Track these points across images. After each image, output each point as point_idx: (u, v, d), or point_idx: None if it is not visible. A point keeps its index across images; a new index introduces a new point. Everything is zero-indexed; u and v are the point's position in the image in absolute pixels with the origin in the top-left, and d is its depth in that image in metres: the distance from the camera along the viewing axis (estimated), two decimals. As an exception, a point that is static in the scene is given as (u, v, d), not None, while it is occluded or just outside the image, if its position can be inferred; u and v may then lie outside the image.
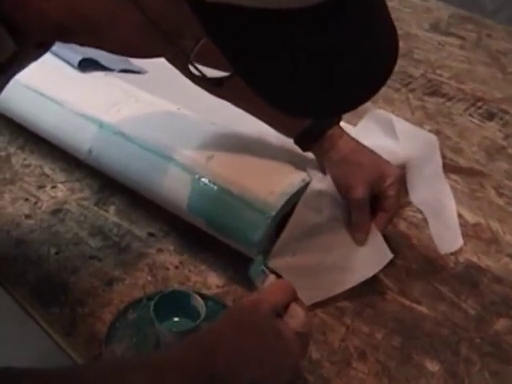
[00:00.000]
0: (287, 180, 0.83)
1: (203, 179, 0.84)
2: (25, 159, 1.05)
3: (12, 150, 1.06)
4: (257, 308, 0.67)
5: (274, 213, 0.79)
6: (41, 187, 0.99)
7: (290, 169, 0.85)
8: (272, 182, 0.82)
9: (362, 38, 0.52)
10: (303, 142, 0.87)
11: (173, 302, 0.75)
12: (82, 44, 0.59)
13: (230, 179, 0.83)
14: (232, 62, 0.51)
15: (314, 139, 0.86)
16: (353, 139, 0.87)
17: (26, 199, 0.97)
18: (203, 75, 0.58)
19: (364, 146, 0.87)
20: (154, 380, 0.62)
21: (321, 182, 0.83)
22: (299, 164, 0.86)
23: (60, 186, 1.00)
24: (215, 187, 0.83)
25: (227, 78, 0.57)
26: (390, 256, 0.83)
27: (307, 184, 0.83)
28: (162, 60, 1.20)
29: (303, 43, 0.50)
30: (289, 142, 0.89)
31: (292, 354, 0.67)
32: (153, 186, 0.89)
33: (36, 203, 0.96)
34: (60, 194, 0.98)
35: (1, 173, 1.02)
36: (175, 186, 0.86)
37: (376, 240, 0.85)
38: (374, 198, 0.85)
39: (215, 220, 0.83)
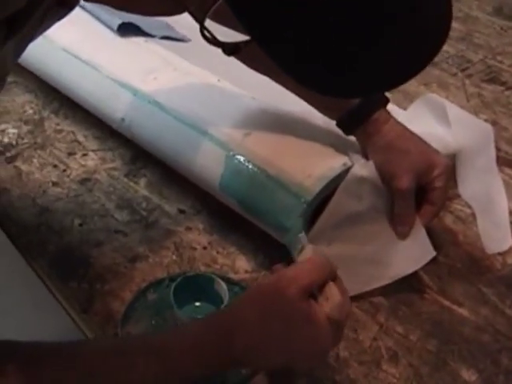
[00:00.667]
0: (327, 163, 0.77)
1: (238, 156, 0.79)
2: (58, 124, 1.01)
3: (46, 113, 1.03)
4: (285, 288, 0.60)
5: (310, 198, 0.74)
6: (71, 154, 0.96)
7: (331, 152, 0.79)
8: (311, 164, 0.77)
9: (408, 10, 0.46)
10: (346, 124, 0.81)
11: (195, 286, 0.71)
12: None
13: (266, 159, 0.78)
14: (246, 26, 0.45)
15: (358, 122, 0.79)
16: (400, 124, 0.81)
17: (55, 166, 0.94)
18: (215, 39, 0.52)
19: (412, 133, 0.81)
20: (163, 365, 0.57)
21: (364, 168, 0.77)
22: (341, 147, 0.81)
23: (91, 154, 0.96)
24: (250, 166, 0.78)
25: (245, 43, 0.51)
26: (433, 254, 0.77)
27: (349, 169, 0.77)
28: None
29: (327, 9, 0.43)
30: (332, 124, 0.84)
31: (322, 342, 0.60)
32: (185, 160, 0.84)
33: (65, 171, 0.93)
34: (90, 163, 0.94)
35: (32, 137, 0.99)
36: (208, 162, 0.82)
37: (419, 235, 0.78)
38: (420, 190, 0.79)
39: (248, 201, 0.78)
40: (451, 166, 0.82)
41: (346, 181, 0.76)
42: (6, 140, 0.98)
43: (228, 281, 0.73)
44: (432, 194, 0.79)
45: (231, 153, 0.79)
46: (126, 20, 0.98)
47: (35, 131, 0.99)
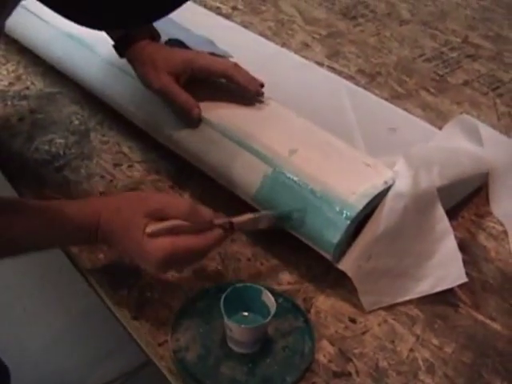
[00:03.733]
0: (370, 181, 0.81)
1: (284, 172, 0.83)
2: (103, 135, 1.05)
3: (91, 124, 1.07)
4: (144, 203, 0.76)
5: (353, 214, 0.78)
6: (117, 165, 1.00)
7: (374, 170, 0.83)
8: (354, 182, 0.80)
9: None
10: (117, 47, 0.94)
11: (243, 297, 0.74)
12: None
13: (311, 175, 0.82)
14: None
15: (125, 46, 0.93)
16: (163, 46, 0.95)
17: (102, 176, 0.97)
18: None
19: (171, 47, 0.96)
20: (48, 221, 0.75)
21: (404, 186, 0.81)
22: (382, 165, 0.84)
23: (136, 165, 1.00)
24: (296, 182, 0.82)
25: None
26: (464, 279, 0.81)
27: (390, 187, 0.80)
28: (249, 44, 1.20)
29: None
30: (371, 143, 0.88)
31: (146, 257, 0.73)
32: (230, 174, 0.88)
33: (111, 181, 0.97)
34: (136, 174, 0.98)
35: (79, 147, 1.03)
36: (253, 176, 0.85)
37: (454, 257, 0.82)
38: None
39: (293, 216, 0.82)
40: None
41: (387, 198, 0.80)
42: (53, 150, 1.02)
43: (272, 292, 0.76)
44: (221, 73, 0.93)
45: (277, 169, 0.83)
46: (172, 36, 1.02)
47: (82, 142, 1.03)
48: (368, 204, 0.79)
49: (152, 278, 0.82)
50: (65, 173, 0.97)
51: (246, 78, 0.93)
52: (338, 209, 0.78)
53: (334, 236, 0.78)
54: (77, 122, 1.07)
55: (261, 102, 0.94)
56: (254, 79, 0.93)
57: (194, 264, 0.81)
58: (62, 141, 1.03)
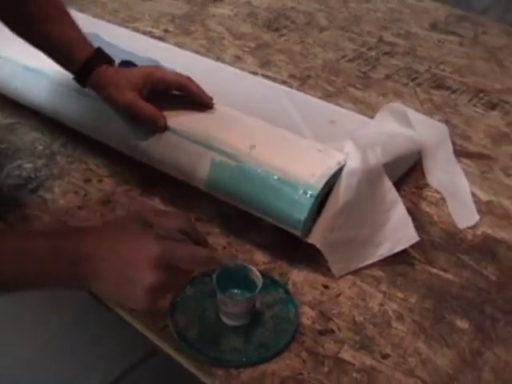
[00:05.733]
0: (325, 163, 0.92)
1: (248, 166, 0.93)
2: (68, 156, 1.12)
3: (55, 148, 1.14)
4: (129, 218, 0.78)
5: (316, 193, 0.88)
6: (87, 181, 1.07)
7: (326, 154, 0.94)
8: (312, 166, 0.91)
9: None
10: (79, 78, 1.02)
11: (231, 275, 0.83)
12: None
13: (273, 165, 0.92)
14: None
15: (86, 75, 1.00)
16: (119, 69, 1.03)
17: (76, 192, 1.05)
18: None
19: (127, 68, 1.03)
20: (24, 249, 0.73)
21: (354, 164, 0.92)
22: (332, 149, 0.95)
23: (105, 179, 1.07)
24: (260, 173, 0.92)
25: None
26: (416, 238, 0.93)
27: (343, 166, 0.92)
28: (188, 61, 1.30)
29: None
30: (318, 133, 0.99)
31: (143, 253, 0.72)
32: (198, 174, 0.97)
33: (86, 195, 1.04)
34: (107, 187, 1.06)
35: (48, 169, 1.09)
36: (220, 173, 0.95)
37: (406, 221, 0.94)
38: None
39: (261, 202, 0.92)
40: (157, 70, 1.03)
41: (342, 176, 0.91)
42: (24, 174, 1.08)
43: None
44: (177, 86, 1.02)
45: (241, 163, 0.93)
46: (124, 58, 1.11)
47: (49, 164, 1.10)
48: (327, 183, 0.90)
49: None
50: (40, 193, 1.04)
51: (199, 89, 1.03)
52: (301, 190, 0.89)
53: (302, 214, 0.88)
54: (41, 148, 1.14)
55: (215, 108, 1.04)
56: (204, 91, 1.04)
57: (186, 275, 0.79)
58: (30, 165, 1.10)
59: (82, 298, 0.96)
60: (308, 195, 0.88)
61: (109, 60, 1.03)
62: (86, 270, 0.73)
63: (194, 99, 1.03)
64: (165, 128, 1.00)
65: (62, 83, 1.11)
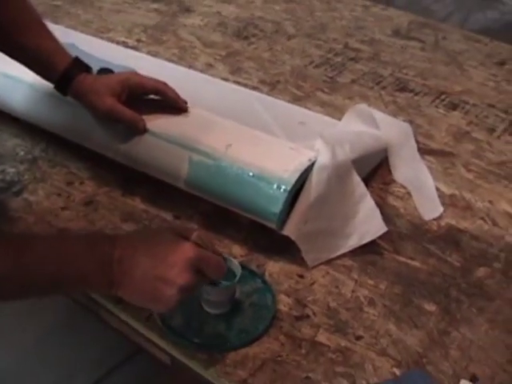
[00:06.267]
0: (297, 160, 0.97)
1: (224, 163, 0.98)
2: (50, 161, 1.16)
3: (36, 153, 1.18)
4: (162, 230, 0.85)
5: (289, 187, 0.94)
6: (70, 183, 1.11)
7: (297, 151, 1.00)
8: (284, 162, 0.97)
9: None
10: (60, 88, 1.06)
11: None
12: None
13: (247, 162, 0.97)
14: None
15: (67, 84, 1.05)
16: (99, 75, 1.08)
17: (59, 194, 1.09)
18: None
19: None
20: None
21: (325, 160, 0.97)
22: (303, 147, 1.01)
23: (87, 181, 1.12)
24: (235, 170, 0.97)
25: None
26: (385, 229, 0.99)
27: (313, 163, 0.97)
28: (161, 69, 1.34)
29: None
30: (290, 133, 1.06)
31: (177, 257, 0.77)
32: (177, 173, 1.01)
33: (69, 197, 1.08)
34: (89, 189, 1.10)
35: (31, 173, 1.13)
36: (197, 171, 1.00)
37: (374, 213, 1.00)
38: None
39: (237, 198, 0.97)
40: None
41: (313, 171, 0.97)
42: (8, 178, 1.12)
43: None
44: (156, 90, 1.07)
45: (218, 161, 0.98)
46: (103, 65, 1.15)
47: (32, 169, 1.14)
48: (299, 178, 0.95)
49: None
50: (24, 195, 1.08)
51: (174, 93, 1.08)
52: (275, 185, 0.94)
53: (277, 207, 0.94)
54: (22, 153, 1.18)
55: (191, 111, 1.09)
56: (179, 96, 1.09)
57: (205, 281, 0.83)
58: (13, 170, 1.13)
59: (63, 302, 1.00)
60: (282, 189, 0.94)
61: (87, 68, 1.08)
62: (118, 271, 0.77)
63: (170, 103, 1.08)
64: (145, 130, 1.04)
65: (41, 90, 1.15)
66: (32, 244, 0.76)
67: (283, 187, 0.94)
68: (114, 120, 1.05)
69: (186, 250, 0.78)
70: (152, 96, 1.09)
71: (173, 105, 1.08)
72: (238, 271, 0.87)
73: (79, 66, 1.07)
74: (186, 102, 1.09)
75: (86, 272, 0.77)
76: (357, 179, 1.01)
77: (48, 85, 1.08)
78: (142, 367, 1.56)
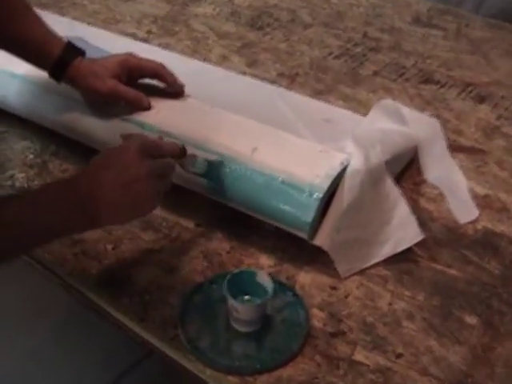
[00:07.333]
0: (328, 164, 0.91)
1: (251, 169, 0.92)
2: (61, 165, 1.11)
3: (46, 156, 1.12)
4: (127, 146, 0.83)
5: (322, 194, 0.88)
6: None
7: (328, 154, 0.94)
8: (315, 167, 0.91)
9: None
10: (54, 74, 1.02)
11: (240, 281, 0.82)
12: None
13: (276, 167, 0.91)
14: None
15: (61, 70, 1.01)
16: (92, 61, 1.03)
17: (73, 201, 1.03)
18: None
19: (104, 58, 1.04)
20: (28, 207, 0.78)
21: (358, 164, 0.92)
22: (333, 150, 0.95)
23: (102, 186, 1.06)
24: (264, 176, 0.91)
25: None
26: (421, 236, 0.93)
27: (346, 167, 0.91)
28: (174, 63, 1.29)
29: None
30: (317, 133, 0.99)
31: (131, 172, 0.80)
32: (200, 179, 0.96)
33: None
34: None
35: (41, 179, 1.07)
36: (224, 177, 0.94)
37: (409, 219, 0.95)
38: None
39: (266, 205, 0.91)
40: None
41: (346, 176, 0.91)
42: (17, 184, 1.06)
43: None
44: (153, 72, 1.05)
45: (243, 166, 0.92)
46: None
47: (42, 173, 1.08)
48: (331, 184, 0.89)
49: (147, 283, 0.90)
50: (36, 203, 1.02)
51: (172, 76, 1.06)
52: (307, 192, 0.89)
53: (309, 216, 0.88)
54: (32, 156, 1.12)
55: (212, 111, 1.03)
56: (177, 79, 1.06)
57: (166, 171, 0.87)
58: (22, 175, 1.08)
59: (69, 304, 0.94)
60: (314, 197, 0.88)
61: (81, 52, 1.03)
62: (92, 202, 0.79)
63: (167, 86, 1.06)
64: (149, 108, 1.03)
65: (32, 81, 1.11)
66: (7, 204, 0.77)
67: (315, 194, 0.88)
68: (115, 101, 1.02)
69: (129, 146, 0.82)
70: (147, 80, 1.07)
71: (168, 88, 1.06)
72: (270, 286, 0.82)
73: (73, 50, 1.02)
74: (183, 86, 1.07)
75: (66, 219, 0.79)
76: (390, 183, 0.95)
77: (37, 76, 1.06)
78: (154, 367, 1.52)
